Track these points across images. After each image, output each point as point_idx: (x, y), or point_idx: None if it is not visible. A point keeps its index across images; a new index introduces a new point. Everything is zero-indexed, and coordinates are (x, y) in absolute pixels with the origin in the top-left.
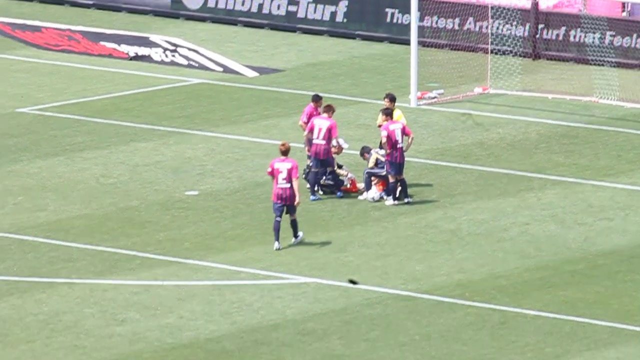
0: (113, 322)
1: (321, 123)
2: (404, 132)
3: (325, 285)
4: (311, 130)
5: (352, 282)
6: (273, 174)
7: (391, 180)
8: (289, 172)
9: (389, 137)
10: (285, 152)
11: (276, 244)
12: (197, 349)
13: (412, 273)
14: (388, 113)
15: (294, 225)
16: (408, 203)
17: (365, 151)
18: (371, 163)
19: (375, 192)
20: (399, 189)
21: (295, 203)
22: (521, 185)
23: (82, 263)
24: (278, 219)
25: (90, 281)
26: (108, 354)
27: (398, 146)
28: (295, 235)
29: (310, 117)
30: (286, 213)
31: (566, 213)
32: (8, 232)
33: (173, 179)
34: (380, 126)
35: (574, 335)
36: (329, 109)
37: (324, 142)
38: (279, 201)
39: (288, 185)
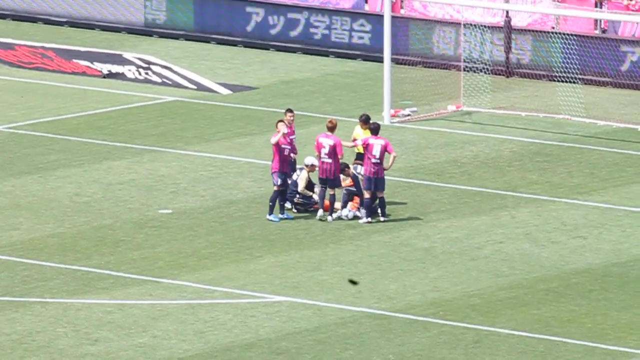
0: (86, 341)
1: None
2: (386, 150)
3: (299, 304)
4: (319, 150)
5: (352, 282)
6: (318, 148)
7: (366, 196)
8: (332, 147)
9: (366, 148)
10: (331, 128)
11: (328, 217)
12: None
13: (385, 292)
14: (372, 128)
15: (332, 200)
16: (383, 222)
17: (343, 167)
18: (348, 181)
19: (349, 210)
20: (378, 207)
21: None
22: (494, 204)
23: (56, 282)
24: (323, 187)
25: (64, 300)
26: None
27: (373, 161)
28: (330, 213)
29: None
30: (328, 187)
31: (540, 231)
32: None
33: (147, 197)
34: (354, 139)
35: (547, 354)
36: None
37: (330, 160)
38: (323, 175)
39: (330, 160)
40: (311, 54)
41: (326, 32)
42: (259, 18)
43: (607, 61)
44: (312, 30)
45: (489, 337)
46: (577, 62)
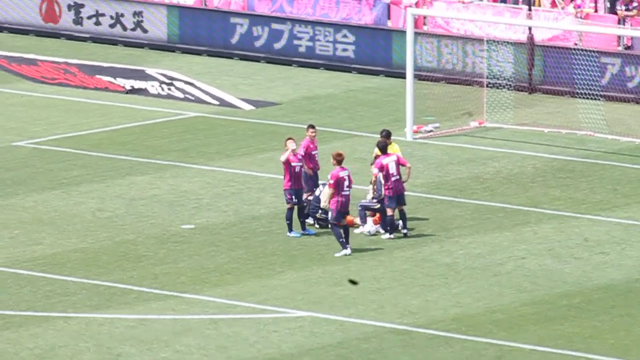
0: (109, 356)
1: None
2: (399, 163)
3: (321, 319)
4: (337, 186)
5: (352, 282)
6: (337, 183)
7: (389, 213)
8: (350, 179)
9: (383, 170)
10: (342, 161)
11: (349, 250)
12: None
13: (408, 307)
14: (380, 147)
15: (347, 230)
16: (405, 235)
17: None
18: (370, 195)
19: (371, 225)
20: (399, 220)
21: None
22: (517, 219)
23: (78, 297)
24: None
25: (86, 315)
26: None
27: (393, 179)
28: (346, 244)
29: (307, 150)
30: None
31: (562, 247)
32: (4, 266)
33: (169, 213)
34: (376, 156)
35: None
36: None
37: (349, 192)
38: (342, 208)
39: (349, 193)
40: (333, 70)
41: (352, 47)
42: (285, 34)
43: (630, 77)
44: (336, 45)
45: (511, 353)
46: (599, 79)
